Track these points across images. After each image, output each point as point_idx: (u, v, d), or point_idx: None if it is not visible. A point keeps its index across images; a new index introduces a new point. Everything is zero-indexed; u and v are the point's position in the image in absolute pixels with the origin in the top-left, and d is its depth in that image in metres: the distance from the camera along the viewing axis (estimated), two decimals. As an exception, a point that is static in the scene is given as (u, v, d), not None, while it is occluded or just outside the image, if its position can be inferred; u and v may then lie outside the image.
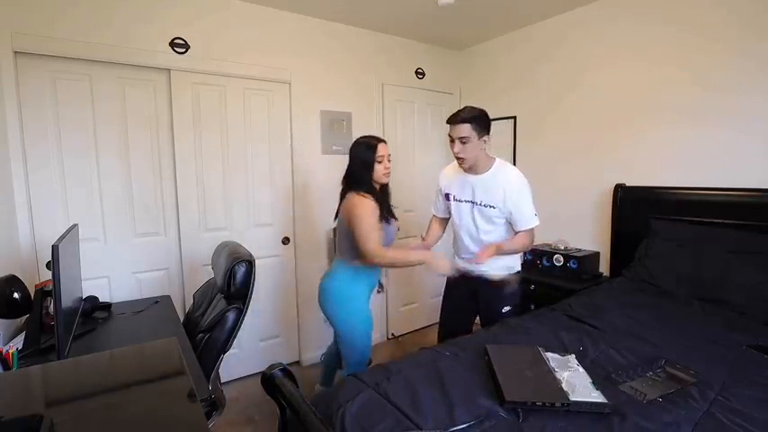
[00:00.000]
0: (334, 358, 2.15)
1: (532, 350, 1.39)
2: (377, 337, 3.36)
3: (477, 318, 2.10)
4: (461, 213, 1.98)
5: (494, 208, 1.86)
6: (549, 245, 2.82)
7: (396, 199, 3.36)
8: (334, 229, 2.16)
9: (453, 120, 1.82)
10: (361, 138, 1.89)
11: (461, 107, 1.88)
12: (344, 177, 1.88)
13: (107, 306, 2.00)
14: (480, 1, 2.62)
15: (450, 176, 2.05)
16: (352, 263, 1.83)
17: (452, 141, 1.84)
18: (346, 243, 1.83)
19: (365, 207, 1.72)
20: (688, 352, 1.43)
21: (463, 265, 2.01)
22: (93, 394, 0.90)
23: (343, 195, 1.87)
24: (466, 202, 1.95)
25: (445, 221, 2.18)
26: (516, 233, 1.90)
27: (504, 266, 1.96)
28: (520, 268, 2.04)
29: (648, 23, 2.40)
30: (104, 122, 2.24)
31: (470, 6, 2.69)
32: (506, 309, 1.97)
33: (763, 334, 1.57)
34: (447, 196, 2.05)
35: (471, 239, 1.97)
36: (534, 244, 2.83)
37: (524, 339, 1.57)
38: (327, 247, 3.06)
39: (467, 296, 2.04)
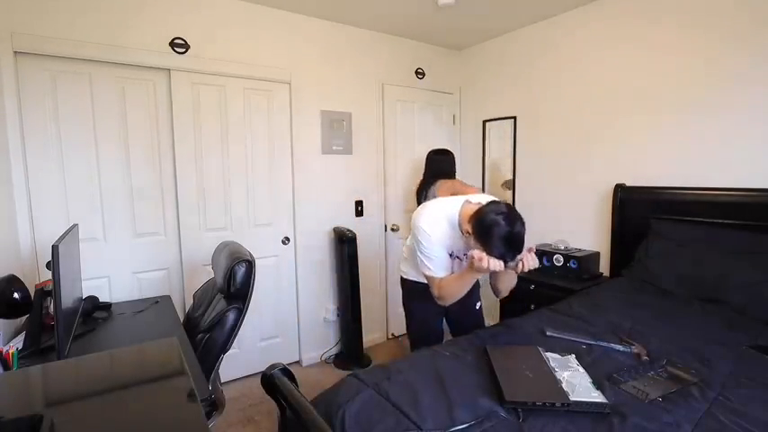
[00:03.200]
0: None
1: (532, 350, 1.39)
2: (377, 337, 3.36)
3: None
4: (460, 268, 1.72)
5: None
6: (550, 245, 2.82)
7: (398, 199, 3.38)
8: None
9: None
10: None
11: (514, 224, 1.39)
12: (448, 172, 2.66)
13: (107, 306, 2.00)
14: (480, 1, 2.62)
15: (446, 234, 1.61)
16: None
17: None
18: None
19: None
20: (688, 352, 1.43)
21: None
22: (93, 394, 0.90)
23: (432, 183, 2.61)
24: (465, 257, 1.69)
25: None
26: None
27: None
28: None
29: (649, 23, 2.40)
30: (104, 122, 2.24)
31: (470, 6, 2.69)
32: (479, 305, 1.98)
33: (763, 334, 1.57)
34: (451, 255, 1.69)
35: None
36: (535, 244, 2.86)
37: (524, 339, 1.57)
38: (328, 247, 3.07)
39: (434, 303, 1.76)
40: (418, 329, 1.96)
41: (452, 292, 1.61)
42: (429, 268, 1.62)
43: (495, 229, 1.36)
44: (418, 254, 1.64)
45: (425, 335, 1.88)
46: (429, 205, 1.70)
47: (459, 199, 1.64)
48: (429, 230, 1.59)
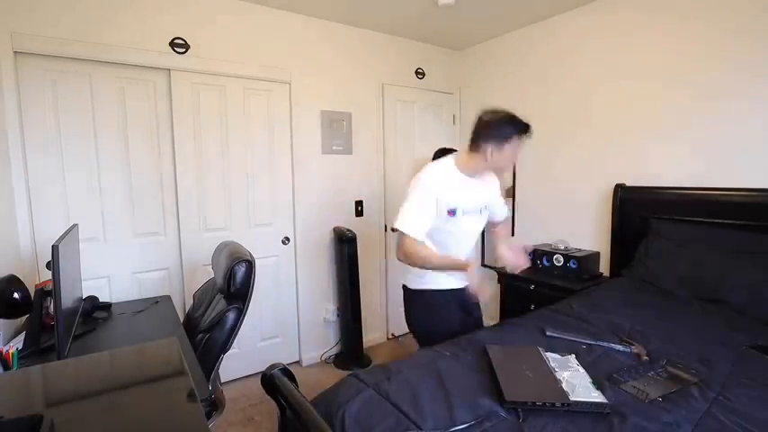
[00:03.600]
0: None
1: (532, 350, 1.39)
2: (377, 337, 3.36)
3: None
4: (469, 226, 1.73)
5: (486, 208, 1.78)
6: (549, 245, 2.82)
7: (398, 199, 3.37)
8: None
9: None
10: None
11: (505, 114, 1.60)
12: None
13: (107, 306, 2.00)
14: (480, 1, 2.62)
15: (450, 185, 1.63)
16: None
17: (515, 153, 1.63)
18: None
19: None
20: (688, 352, 1.43)
21: (457, 283, 1.73)
22: (93, 394, 0.90)
23: None
24: (475, 212, 1.72)
25: None
26: (495, 224, 1.93)
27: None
28: None
29: (650, 22, 2.40)
30: (104, 123, 2.24)
31: (470, 6, 2.69)
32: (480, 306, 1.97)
33: (763, 334, 1.57)
34: (452, 212, 1.63)
35: (466, 251, 1.76)
36: (534, 244, 2.87)
37: (524, 339, 1.57)
38: (328, 247, 3.07)
39: (458, 310, 1.78)
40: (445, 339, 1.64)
41: (423, 265, 1.65)
42: (406, 222, 1.59)
43: (508, 119, 1.58)
44: (405, 205, 1.62)
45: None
46: (427, 166, 1.72)
47: (448, 156, 1.73)
48: (428, 181, 1.63)
